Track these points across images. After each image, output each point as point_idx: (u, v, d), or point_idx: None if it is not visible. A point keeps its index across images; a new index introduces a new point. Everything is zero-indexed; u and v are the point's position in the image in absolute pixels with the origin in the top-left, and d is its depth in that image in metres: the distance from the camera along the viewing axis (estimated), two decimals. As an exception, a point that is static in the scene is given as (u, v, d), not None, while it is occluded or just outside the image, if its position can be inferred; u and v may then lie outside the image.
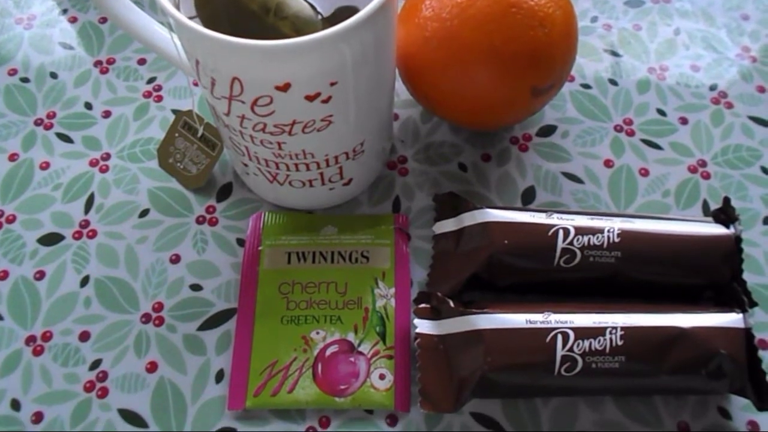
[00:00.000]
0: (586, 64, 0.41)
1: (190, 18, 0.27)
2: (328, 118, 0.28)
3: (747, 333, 0.30)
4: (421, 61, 0.33)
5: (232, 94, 0.27)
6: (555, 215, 0.33)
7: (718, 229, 0.32)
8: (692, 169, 0.37)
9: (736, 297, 0.31)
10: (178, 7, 0.28)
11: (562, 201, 0.36)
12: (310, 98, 0.27)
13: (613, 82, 0.40)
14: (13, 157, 0.38)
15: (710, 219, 0.33)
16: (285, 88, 0.26)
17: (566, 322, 0.30)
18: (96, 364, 0.32)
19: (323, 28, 0.27)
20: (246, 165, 0.33)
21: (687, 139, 0.38)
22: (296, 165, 0.31)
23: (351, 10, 0.27)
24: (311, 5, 0.27)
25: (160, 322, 0.33)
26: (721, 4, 0.43)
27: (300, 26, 0.27)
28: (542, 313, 0.31)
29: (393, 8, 0.28)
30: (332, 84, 0.27)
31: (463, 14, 0.31)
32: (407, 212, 0.36)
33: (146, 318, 0.33)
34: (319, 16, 0.27)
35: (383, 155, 0.36)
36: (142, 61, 0.41)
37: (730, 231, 0.32)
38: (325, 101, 0.27)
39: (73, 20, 0.43)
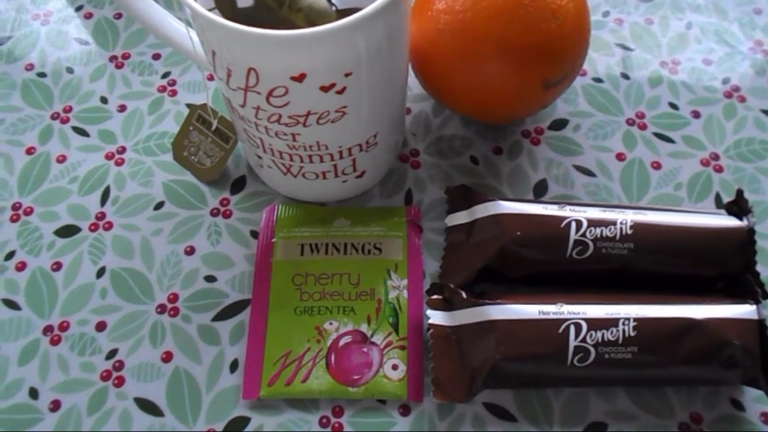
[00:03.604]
0: (598, 58, 0.41)
1: (208, 10, 0.28)
2: (342, 109, 0.29)
3: (761, 324, 0.30)
4: (434, 53, 0.33)
5: (247, 85, 0.27)
6: (567, 207, 0.33)
7: (731, 221, 0.32)
8: (705, 163, 0.37)
9: (749, 288, 0.31)
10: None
11: (574, 194, 0.36)
12: (324, 89, 0.27)
13: (625, 76, 0.40)
14: (30, 151, 0.38)
15: (723, 211, 0.33)
16: (300, 78, 0.26)
17: (579, 313, 0.30)
18: (112, 353, 0.32)
19: (337, 19, 0.27)
20: (260, 157, 0.34)
21: (699, 133, 0.38)
22: (310, 157, 0.32)
23: (363, 2, 0.28)
24: (326, -2, 0.28)
25: (175, 312, 0.34)
26: (734, -2, 0.43)
27: (314, 18, 0.27)
28: (555, 304, 0.31)
29: (407, 0, 0.29)
30: (347, 75, 0.27)
31: (475, 6, 0.31)
32: (419, 205, 0.37)
33: (161, 308, 0.34)
34: (334, 8, 0.27)
35: (396, 148, 0.37)
36: (156, 56, 0.41)
37: (743, 223, 0.32)
38: (340, 92, 0.28)
39: (88, 16, 0.43)
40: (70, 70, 0.41)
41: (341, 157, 0.32)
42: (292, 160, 0.32)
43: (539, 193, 0.37)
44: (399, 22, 0.28)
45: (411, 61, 0.35)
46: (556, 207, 0.33)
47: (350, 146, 0.32)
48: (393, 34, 0.28)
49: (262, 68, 0.26)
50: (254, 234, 0.36)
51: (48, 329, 0.33)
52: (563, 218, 0.32)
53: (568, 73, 0.34)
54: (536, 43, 0.32)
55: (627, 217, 0.32)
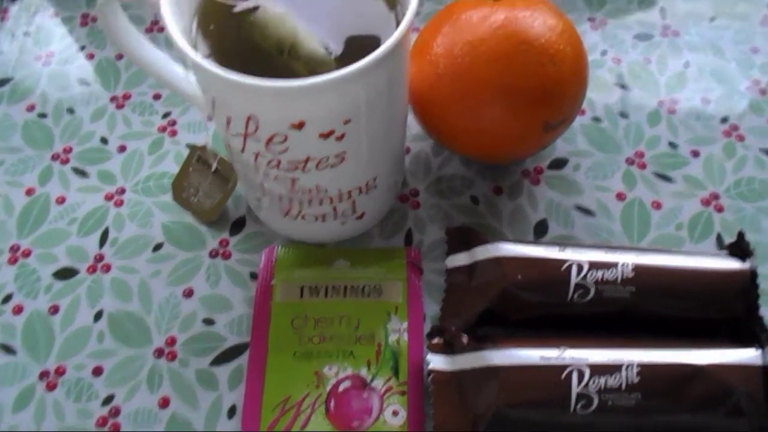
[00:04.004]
0: (596, 98, 0.41)
1: (206, 56, 0.28)
2: (341, 155, 0.29)
3: (765, 370, 0.29)
4: (434, 96, 0.34)
5: (247, 132, 0.27)
6: (568, 249, 0.33)
7: (732, 264, 0.32)
8: (705, 202, 0.37)
9: (753, 333, 0.31)
10: (195, 47, 0.28)
11: (574, 234, 0.36)
12: (324, 136, 0.27)
13: (624, 115, 0.40)
14: (30, 192, 0.38)
15: (725, 253, 0.33)
16: (299, 126, 0.26)
17: (581, 358, 0.30)
18: (108, 399, 0.32)
19: (336, 67, 0.27)
20: (259, 199, 0.34)
21: (699, 172, 0.38)
22: (309, 200, 0.32)
23: (360, 41, 0.28)
24: (324, 45, 0.28)
25: (172, 356, 0.33)
26: (731, 38, 0.43)
27: (314, 66, 0.27)
28: (557, 348, 0.30)
29: (406, 46, 0.29)
30: (346, 122, 0.27)
31: (474, 51, 0.32)
32: (419, 245, 0.36)
33: (159, 352, 0.33)
34: (332, 56, 0.28)
35: (395, 188, 0.37)
36: (157, 96, 0.42)
37: (746, 265, 0.32)
38: (339, 138, 0.28)
39: (90, 57, 0.43)
40: (71, 111, 0.41)
41: (340, 200, 0.32)
42: (291, 203, 0.32)
43: (540, 233, 0.36)
44: (398, 68, 0.29)
45: (411, 103, 0.35)
46: (556, 249, 0.33)
47: (350, 189, 0.32)
48: (392, 81, 0.28)
49: (262, 116, 0.26)
50: (253, 276, 0.35)
51: (44, 374, 0.33)
52: (564, 261, 0.32)
53: (567, 115, 0.34)
54: (535, 88, 0.32)
55: (628, 260, 0.32)
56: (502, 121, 0.33)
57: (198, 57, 0.25)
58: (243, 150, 0.29)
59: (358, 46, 0.27)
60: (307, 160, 0.28)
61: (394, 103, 0.30)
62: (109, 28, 0.29)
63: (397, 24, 0.27)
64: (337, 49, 0.28)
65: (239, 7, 0.28)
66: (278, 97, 0.25)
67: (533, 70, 0.31)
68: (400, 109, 0.32)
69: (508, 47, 0.31)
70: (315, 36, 0.28)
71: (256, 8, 0.28)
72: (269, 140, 0.27)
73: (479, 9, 0.33)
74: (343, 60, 0.28)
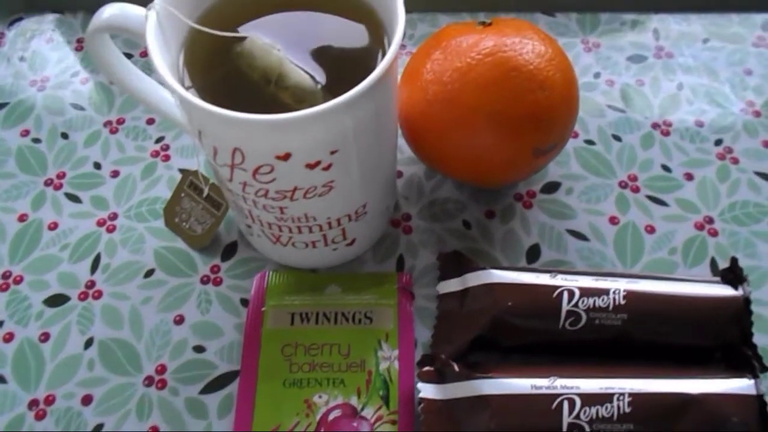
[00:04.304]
0: (589, 120, 0.41)
1: (194, 87, 0.28)
2: (329, 184, 0.29)
3: (759, 400, 0.29)
4: (424, 123, 0.33)
5: (233, 163, 0.27)
6: (559, 276, 0.33)
7: (725, 290, 0.32)
8: (699, 226, 0.37)
9: (747, 362, 0.30)
10: (182, 75, 0.28)
11: (567, 259, 0.36)
12: (310, 166, 0.27)
13: (617, 138, 0.40)
14: (22, 218, 0.38)
15: (718, 279, 0.33)
16: (286, 157, 0.26)
17: (572, 387, 0.30)
18: (97, 429, 0.32)
19: (323, 97, 0.27)
20: (249, 226, 0.33)
21: (693, 195, 0.38)
22: (299, 228, 0.31)
23: (347, 70, 0.27)
24: (311, 76, 0.28)
25: (162, 384, 0.33)
26: (724, 59, 0.43)
27: (300, 96, 0.27)
28: (548, 377, 0.30)
29: (393, 75, 0.29)
30: (333, 152, 0.27)
31: (463, 78, 0.32)
32: (411, 270, 0.36)
33: (149, 381, 0.33)
34: (319, 86, 0.28)
35: (387, 213, 0.37)
36: (150, 121, 0.42)
37: (739, 292, 0.32)
38: (326, 168, 0.28)
39: (84, 81, 0.44)
40: (65, 136, 0.41)
41: (330, 228, 0.32)
42: (281, 230, 0.32)
43: (532, 257, 0.36)
44: (386, 97, 0.29)
45: (402, 128, 0.35)
46: (548, 276, 0.33)
47: (339, 217, 0.31)
48: (380, 110, 0.28)
49: (247, 148, 0.26)
50: (244, 302, 0.35)
51: (33, 403, 0.33)
52: (555, 288, 0.32)
53: (558, 141, 0.34)
54: (525, 114, 0.32)
55: (620, 287, 0.32)
56: (492, 148, 0.32)
57: (181, 89, 0.25)
58: (231, 179, 0.29)
59: (345, 76, 0.27)
60: (294, 190, 0.28)
61: (383, 131, 0.30)
62: (97, 58, 0.29)
63: (384, 53, 0.27)
64: (323, 79, 0.28)
65: (226, 38, 0.28)
66: (262, 130, 0.25)
67: (522, 97, 0.31)
68: (390, 136, 0.32)
69: (497, 74, 0.31)
70: (302, 66, 0.28)
71: (243, 39, 0.28)
72: (256, 171, 0.27)
73: (468, 35, 0.33)
74: (331, 89, 0.28)
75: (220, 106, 0.27)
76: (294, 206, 0.30)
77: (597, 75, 0.43)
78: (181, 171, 0.40)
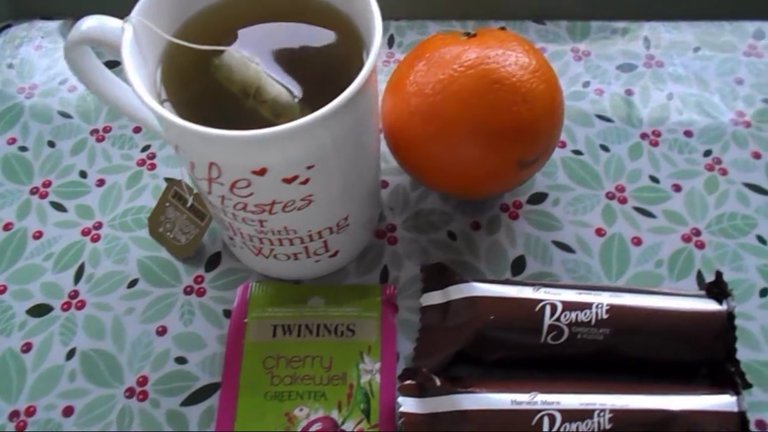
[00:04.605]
0: (577, 130, 0.41)
1: (173, 100, 0.28)
2: (308, 198, 0.28)
3: (741, 417, 0.29)
4: (407, 134, 0.33)
5: (211, 177, 0.27)
6: (542, 289, 0.32)
7: (709, 305, 0.32)
8: (686, 238, 0.37)
9: (730, 378, 0.30)
10: (159, 89, 0.28)
11: (552, 271, 0.36)
12: (287, 181, 0.27)
13: (605, 148, 0.40)
14: (7, 227, 0.38)
15: (703, 293, 0.33)
16: (262, 172, 0.26)
17: (553, 403, 0.29)
18: (77, 441, 0.32)
19: (301, 111, 0.27)
20: (232, 238, 0.33)
21: (681, 207, 0.38)
22: (280, 240, 0.31)
23: (326, 84, 0.27)
24: (288, 90, 0.28)
25: (143, 396, 0.33)
26: (715, 69, 0.43)
27: (278, 110, 0.27)
28: (529, 393, 0.30)
29: (372, 88, 0.29)
30: (309, 167, 0.27)
31: (445, 90, 0.31)
32: (396, 282, 0.36)
33: (130, 392, 0.33)
34: (296, 100, 0.27)
35: (371, 224, 0.36)
36: (137, 130, 0.42)
37: (723, 307, 0.31)
38: (304, 183, 0.27)
39: (72, 89, 0.43)
40: (51, 144, 0.41)
41: (312, 240, 0.32)
42: (261, 243, 0.32)
43: (517, 269, 0.36)
44: (365, 109, 0.28)
45: (386, 139, 0.35)
46: (531, 289, 0.32)
47: (320, 230, 0.31)
48: (360, 122, 0.28)
49: (223, 163, 0.26)
50: (227, 313, 0.35)
51: (14, 414, 0.33)
52: (538, 301, 0.32)
53: (542, 153, 0.33)
54: (508, 127, 0.31)
55: (603, 301, 0.32)
56: (475, 160, 0.32)
57: (154, 104, 0.25)
58: (210, 192, 0.29)
59: (324, 89, 0.27)
60: (273, 203, 0.28)
61: (364, 143, 0.30)
62: (77, 69, 0.29)
63: (363, 66, 0.27)
64: (303, 92, 0.28)
65: (205, 51, 0.27)
66: (236, 146, 0.25)
67: (505, 109, 0.31)
68: (371, 148, 0.31)
69: (480, 86, 0.31)
70: (280, 80, 0.28)
71: (221, 52, 0.28)
72: (233, 185, 0.27)
73: (452, 47, 0.32)
74: (310, 103, 0.28)
75: (199, 120, 0.27)
76: (273, 219, 0.29)
77: (586, 84, 0.43)
78: (167, 180, 0.39)
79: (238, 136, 0.24)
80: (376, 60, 0.26)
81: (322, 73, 0.28)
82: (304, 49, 0.29)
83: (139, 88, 0.25)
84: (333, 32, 0.29)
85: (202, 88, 0.28)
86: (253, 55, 0.28)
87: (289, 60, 0.29)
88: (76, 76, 0.30)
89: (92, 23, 0.27)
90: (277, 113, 0.27)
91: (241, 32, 0.29)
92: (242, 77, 0.27)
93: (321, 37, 0.29)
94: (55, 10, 0.47)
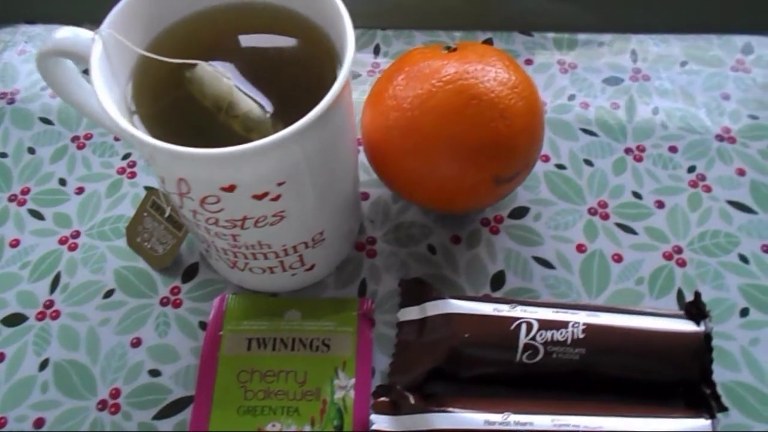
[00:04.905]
0: (561, 144, 0.40)
1: (145, 113, 0.28)
2: (279, 214, 0.28)
3: (715, 441, 0.29)
4: (385, 148, 0.33)
5: (181, 192, 0.27)
6: (519, 307, 0.32)
7: (687, 326, 0.31)
8: (667, 256, 0.36)
9: (705, 401, 0.30)
10: (130, 103, 0.28)
11: (532, 287, 0.36)
12: (258, 197, 0.27)
13: (589, 163, 0.40)
14: (-16, 234, 0.38)
15: (681, 313, 0.32)
16: (231, 189, 0.26)
17: (525, 423, 0.29)
18: (47, 453, 0.32)
19: (273, 126, 0.27)
20: (207, 250, 0.33)
21: (663, 224, 0.37)
22: (254, 254, 0.31)
23: (300, 98, 0.27)
24: (260, 105, 0.27)
25: (116, 409, 0.33)
26: (701, 83, 0.42)
27: (250, 126, 0.27)
28: (502, 413, 0.30)
29: (346, 101, 0.28)
30: (280, 184, 0.26)
31: (423, 105, 0.31)
32: (374, 295, 0.36)
33: (102, 405, 0.33)
34: (268, 115, 0.27)
35: (350, 237, 0.36)
36: (118, 137, 0.41)
37: (700, 328, 0.31)
38: (275, 199, 0.27)
39: (54, 95, 0.43)
40: (31, 151, 0.41)
41: (286, 254, 0.32)
42: (236, 256, 0.31)
43: (497, 285, 0.36)
44: (339, 124, 0.28)
45: (365, 151, 0.35)
46: (507, 307, 0.32)
47: (294, 244, 0.31)
48: (333, 137, 0.28)
49: (191, 180, 0.25)
50: (203, 325, 0.35)
51: (-16, 426, 0.32)
52: (514, 319, 0.32)
53: (522, 169, 0.33)
54: (485, 143, 0.31)
55: (579, 320, 0.31)
56: (452, 176, 0.32)
57: (120, 119, 0.24)
58: (181, 206, 0.28)
59: (298, 104, 0.27)
60: (244, 219, 0.28)
61: (339, 157, 0.30)
62: (51, 80, 0.29)
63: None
64: (276, 107, 0.28)
65: (178, 64, 0.27)
66: (202, 163, 0.24)
67: (483, 125, 0.31)
68: (347, 161, 0.31)
69: (457, 102, 0.31)
70: (252, 94, 0.27)
71: (194, 65, 0.27)
72: (203, 200, 0.27)
73: (431, 61, 0.32)
74: (283, 118, 0.27)
75: (170, 134, 0.27)
76: (246, 234, 0.29)
77: (572, 97, 0.42)
78: (147, 189, 0.39)
79: (203, 153, 0.23)
80: (349, 74, 0.26)
81: (295, 88, 0.28)
82: (278, 62, 0.29)
83: (107, 103, 0.24)
84: (307, 45, 0.29)
85: (175, 102, 0.28)
86: (225, 69, 0.28)
87: (263, 74, 0.28)
88: (50, 86, 0.30)
89: (65, 34, 0.27)
90: (249, 128, 0.27)
91: (214, 45, 0.28)
92: (214, 91, 0.27)
93: (295, 50, 0.29)
94: (40, 15, 0.47)
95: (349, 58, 0.26)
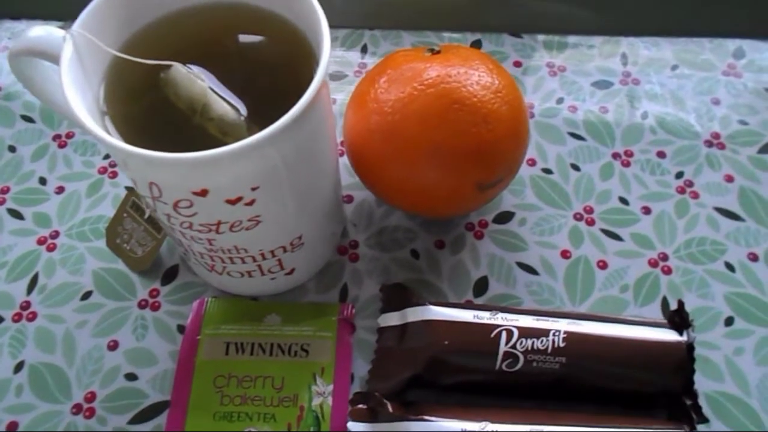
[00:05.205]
0: (548, 148, 0.40)
1: (117, 113, 0.27)
2: (255, 219, 0.28)
3: (695, 454, 0.28)
4: (366, 152, 0.32)
5: (153, 195, 0.26)
6: (500, 314, 0.32)
7: (669, 335, 0.31)
8: (653, 263, 0.36)
9: (686, 412, 0.29)
10: (102, 104, 0.27)
11: (515, 293, 0.35)
12: (231, 202, 0.26)
13: (576, 167, 0.39)
14: (-38, 233, 0.37)
15: (665, 321, 0.32)
16: (203, 193, 0.25)
17: (503, 433, 0.29)
18: (20, 458, 0.31)
19: (248, 129, 0.26)
20: (185, 253, 0.33)
21: (649, 230, 0.37)
22: (231, 258, 0.31)
23: (275, 101, 0.26)
24: (235, 108, 0.27)
25: (90, 413, 0.32)
26: (692, 88, 0.42)
27: (225, 128, 0.26)
28: (480, 422, 0.29)
29: (323, 103, 0.27)
30: (254, 188, 0.26)
31: (404, 109, 0.31)
32: (355, 301, 0.35)
33: (77, 409, 0.32)
34: (242, 118, 0.27)
35: (333, 240, 0.36)
36: (100, 136, 0.41)
37: (683, 338, 0.31)
38: (249, 204, 0.27)
39: (36, 93, 0.43)
40: (12, 149, 0.40)
41: (264, 258, 0.31)
42: (213, 260, 0.31)
43: (479, 291, 0.35)
44: (316, 127, 0.27)
45: (348, 155, 0.34)
46: (488, 314, 0.32)
47: (272, 249, 0.31)
48: (310, 141, 0.27)
49: (162, 184, 0.25)
50: (181, 329, 0.34)
51: (-43, 429, 0.32)
52: (494, 327, 0.31)
53: (504, 175, 0.33)
54: (467, 148, 0.31)
55: (560, 328, 0.31)
56: (434, 181, 0.31)
57: (89, 122, 0.24)
58: (155, 210, 0.28)
59: (274, 106, 0.26)
60: (219, 224, 0.27)
61: (317, 161, 0.29)
62: (24, 80, 0.29)
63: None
64: (252, 109, 0.27)
65: (153, 66, 0.27)
66: (172, 168, 0.24)
67: (465, 130, 0.30)
68: (327, 164, 0.31)
69: (439, 106, 0.30)
70: (227, 97, 0.27)
71: (168, 66, 0.27)
72: (175, 204, 0.26)
73: (413, 64, 0.32)
74: (258, 121, 0.27)
75: (146, 137, 0.26)
76: (222, 239, 0.29)
77: (560, 101, 0.42)
78: (128, 189, 0.39)
79: (171, 158, 0.23)
80: (326, 75, 0.26)
81: (272, 90, 0.28)
82: (255, 64, 0.28)
83: (75, 104, 0.24)
84: (284, 46, 0.28)
85: (149, 104, 0.27)
86: (201, 71, 0.27)
87: (239, 75, 0.28)
88: (24, 86, 0.29)
89: (37, 33, 0.27)
90: (224, 132, 0.26)
91: (189, 46, 0.28)
92: (188, 94, 0.26)
93: (272, 51, 0.28)
94: (24, 12, 0.46)
95: (325, 59, 0.25)
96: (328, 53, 0.25)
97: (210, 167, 0.24)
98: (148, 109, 0.27)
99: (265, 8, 0.28)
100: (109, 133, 0.26)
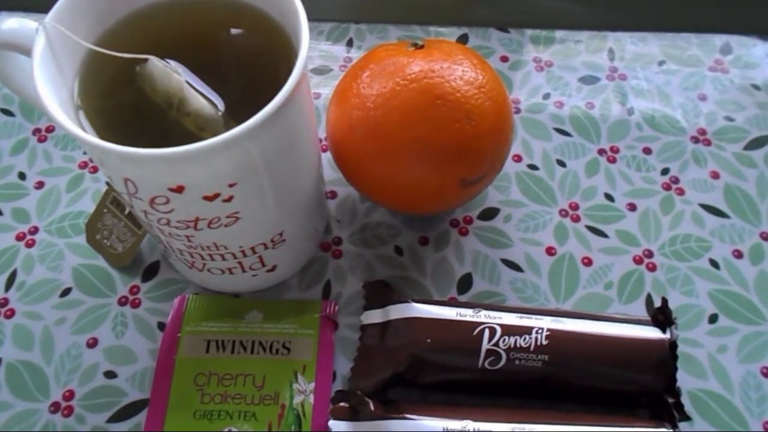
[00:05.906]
0: (534, 144, 0.40)
1: (91, 107, 0.27)
2: (234, 215, 0.27)
3: (676, 452, 0.28)
4: (348, 148, 0.32)
5: (129, 192, 0.26)
6: (483, 312, 0.31)
7: (652, 333, 0.31)
8: (637, 260, 0.36)
9: (668, 410, 0.29)
10: (76, 99, 0.27)
11: (499, 291, 0.35)
12: (209, 198, 0.26)
13: (561, 164, 0.39)
14: (-61, 229, 0.37)
15: (648, 319, 0.32)
16: (179, 190, 0.25)
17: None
18: (-4, 457, 0.31)
19: (225, 124, 0.26)
20: (165, 250, 0.32)
21: (634, 227, 0.37)
22: (210, 255, 0.30)
23: (254, 96, 0.26)
24: (212, 102, 0.26)
25: (69, 412, 0.32)
26: (679, 84, 0.42)
27: (202, 123, 0.26)
28: (461, 420, 0.29)
29: (303, 97, 0.27)
30: (231, 185, 0.26)
31: (386, 105, 0.30)
32: (338, 298, 0.35)
33: (55, 407, 0.32)
34: (220, 113, 0.26)
35: (315, 237, 0.35)
36: (81, 130, 0.40)
37: (666, 336, 0.31)
38: (227, 200, 0.26)
39: (16, 86, 0.42)
40: (-9, 143, 0.40)
41: (245, 255, 0.31)
42: (192, 257, 0.31)
43: (463, 288, 0.35)
44: (296, 121, 0.27)
45: (331, 150, 0.34)
46: (471, 311, 0.32)
47: (253, 246, 0.30)
48: (289, 136, 0.27)
49: (137, 180, 0.25)
50: (162, 326, 0.34)
51: (-68, 428, 0.31)
52: (477, 325, 0.31)
53: (487, 171, 0.32)
54: (450, 144, 0.30)
55: (543, 325, 0.31)
56: (417, 177, 0.31)
57: (62, 117, 0.23)
58: (132, 206, 0.27)
59: (252, 101, 0.26)
60: (197, 220, 0.27)
61: (298, 157, 0.29)
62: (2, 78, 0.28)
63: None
64: (230, 104, 0.27)
65: (130, 60, 0.26)
66: (145, 164, 0.23)
67: (448, 126, 0.30)
68: (308, 160, 0.30)
69: (422, 102, 0.30)
70: (204, 91, 0.26)
71: (145, 60, 0.26)
72: (152, 201, 0.26)
73: (396, 58, 0.31)
74: (236, 116, 0.26)
75: (121, 132, 0.26)
76: (200, 235, 0.28)
77: (547, 96, 0.41)
78: (108, 184, 0.38)
79: (144, 154, 0.22)
80: (305, 70, 0.25)
81: (250, 84, 0.27)
82: (233, 58, 0.28)
83: (46, 98, 0.23)
84: (263, 40, 0.28)
85: (125, 99, 0.27)
86: (177, 65, 0.27)
87: (217, 70, 0.27)
88: (3, 83, 0.29)
89: (9, 26, 0.26)
90: (201, 127, 0.26)
91: (166, 40, 0.27)
92: (165, 88, 0.26)
93: (250, 45, 0.28)
94: (10, 4, 0.45)
95: (304, 53, 0.25)
96: (306, 47, 0.25)
97: (186, 163, 0.24)
98: (123, 104, 0.27)
99: (243, 1, 0.28)
100: (83, 128, 0.25)
